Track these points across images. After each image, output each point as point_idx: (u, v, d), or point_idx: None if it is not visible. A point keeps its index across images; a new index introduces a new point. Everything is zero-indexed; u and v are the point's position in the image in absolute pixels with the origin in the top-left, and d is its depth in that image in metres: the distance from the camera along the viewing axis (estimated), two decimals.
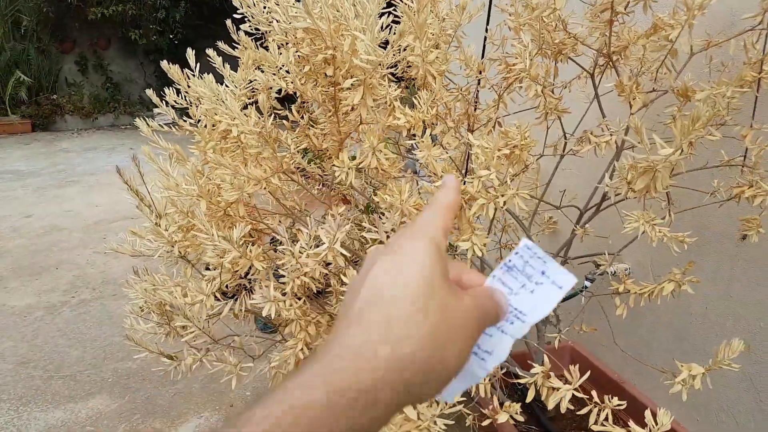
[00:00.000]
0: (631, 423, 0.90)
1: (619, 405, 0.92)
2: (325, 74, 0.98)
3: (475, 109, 1.43)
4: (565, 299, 1.88)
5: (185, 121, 1.36)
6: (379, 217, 1.37)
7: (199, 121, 1.32)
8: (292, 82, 1.13)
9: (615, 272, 1.79)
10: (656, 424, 0.88)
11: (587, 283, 1.88)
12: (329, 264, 1.40)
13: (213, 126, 1.27)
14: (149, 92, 1.39)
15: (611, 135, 1.08)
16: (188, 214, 1.15)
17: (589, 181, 1.57)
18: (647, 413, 0.90)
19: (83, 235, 4.43)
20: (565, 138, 1.37)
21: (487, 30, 1.48)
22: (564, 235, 2.03)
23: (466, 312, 0.38)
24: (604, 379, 1.94)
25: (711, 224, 1.54)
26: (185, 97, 1.39)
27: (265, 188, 1.12)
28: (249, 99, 1.31)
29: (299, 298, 1.22)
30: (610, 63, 1.21)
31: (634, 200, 1.09)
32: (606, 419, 0.92)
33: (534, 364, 0.99)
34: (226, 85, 1.23)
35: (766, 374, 1.45)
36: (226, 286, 1.28)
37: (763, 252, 1.41)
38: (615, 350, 1.94)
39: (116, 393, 2.54)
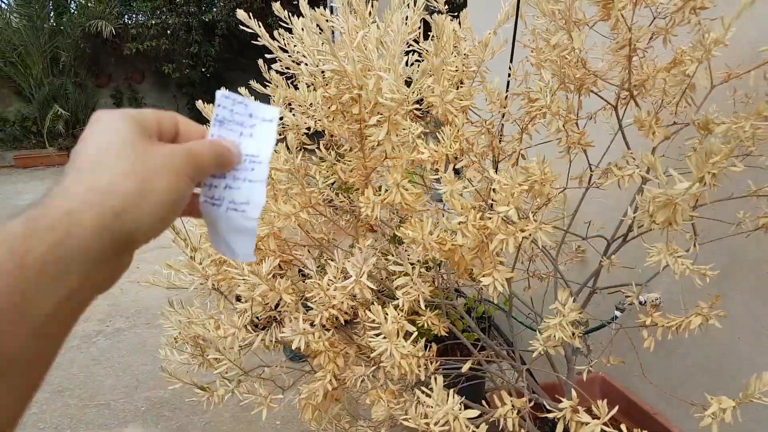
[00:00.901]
0: None
1: None
2: (351, 112, 1.02)
3: (500, 142, 1.46)
4: (595, 329, 1.87)
5: None
6: (405, 250, 1.40)
7: None
8: (319, 120, 1.17)
9: (644, 302, 1.77)
10: None
11: (617, 313, 1.86)
12: (356, 296, 1.42)
13: None
14: None
15: (636, 168, 1.09)
16: None
17: (616, 210, 1.57)
18: None
19: None
20: (591, 170, 1.38)
21: (510, 66, 1.51)
22: (592, 264, 2.02)
23: (170, 153, 0.43)
24: (637, 411, 1.90)
25: (742, 254, 1.52)
26: None
27: (294, 222, 1.15)
28: (280, 135, 1.36)
29: (327, 330, 1.24)
30: (633, 97, 1.22)
31: (660, 231, 1.10)
32: None
33: (562, 399, 0.99)
34: None
35: None
36: (257, 318, 1.31)
37: None
38: (646, 381, 1.91)
39: (149, 421, 2.59)
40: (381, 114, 1.01)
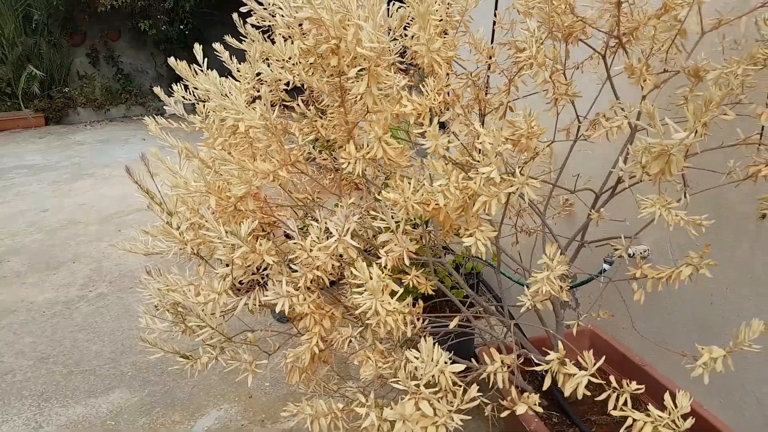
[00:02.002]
0: (650, 407, 0.89)
1: (637, 389, 0.91)
2: (330, 64, 0.97)
3: (486, 94, 1.41)
4: (583, 282, 1.86)
5: (194, 116, 1.36)
6: (390, 207, 1.36)
7: (207, 117, 1.31)
8: (298, 75, 1.11)
9: (633, 255, 1.77)
10: (675, 406, 0.87)
11: (606, 266, 1.86)
12: (342, 256, 1.39)
13: (222, 121, 1.26)
14: (157, 90, 1.38)
15: (625, 118, 1.05)
16: (198, 211, 1.15)
17: (604, 164, 1.54)
18: (666, 396, 0.89)
19: (99, 227, 4.47)
20: (579, 121, 1.35)
21: (495, 14, 1.45)
22: (580, 218, 2.01)
23: None
24: (626, 363, 1.92)
25: (730, 205, 1.51)
26: (193, 93, 1.38)
27: (274, 181, 1.11)
28: (257, 92, 1.30)
29: (312, 292, 1.22)
30: (622, 46, 1.18)
31: (649, 183, 1.07)
32: (625, 404, 0.91)
33: (550, 353, 0.98)
34: (234, 79, 1.22)
35: None
36: (240, 282, 1.28)
37: None
38: (636, 334, 1.92)
39: (136, 387, 2.58)
40: (361, 66, 0.95)
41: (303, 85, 1.22)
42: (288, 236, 1.36)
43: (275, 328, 2.57)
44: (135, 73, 10.22)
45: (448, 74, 1.14)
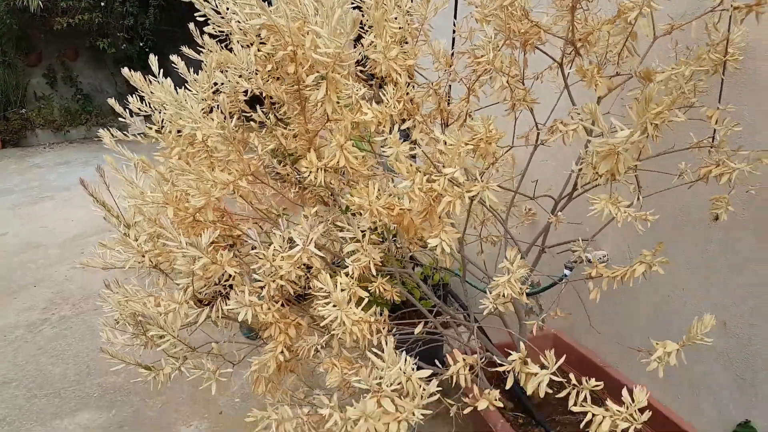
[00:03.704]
0: (608, 402, 0.91)
1: (596, 386, 0.93)
2: (288, 72, 0.97)
3: (448, 104, 1.43)
4: (545, 288, 1.89)
5: (150, 128, 1.34)
6: (353, 215, 1.36)
7: (163, 127, 1.30)
8: (256, 83, 1.11)
9: (591, 260, 1.80)
10: (633, 401, 0.89)
11: (567, 272, 1.89)
12: (310, 268, 1.39)
13: (178, 132, 1.25)
14: (111, 101, 1.36)
15: (580, 122, 1.08)
16: (156, 222, 1.13)
17: (563, 173, 1.58)
18: (624, 391, 0.91)
19: (60, 251, 4.36)
20: (537, 128, 1.38)
21: (454, 23, 1.47)
22: (542, 226, 2.04)
23: None
24: (588, 364, 1.95)
25: (686, 208, 1.56)
26: (150, 104, 1.36)
27: (234, 192, 1.10)
28: (215, 102, 1.30)
29: (277, 301, 1.21)
30: (576, 51, 1.21)
31: (606, 187, 1.10)
32: (585, 400, 0.92)
33: (512, 352, 0.99)
34: (188, 89, 1.21)
35: (740, 349, 1.48)
36: (203, 294, 1.27)
37: (734, 233, 1.43)
38: (599, 336, 1.95)
39: (103, 407, 2.51)
40: (319, 72, 0.96)
41: (262, 95, 1.22)
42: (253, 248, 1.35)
43: (243, 342, 2.54)
44: (95, 92, 10.01)
45: (408, 83, 1.15)
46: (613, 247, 1.85)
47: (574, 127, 1.08)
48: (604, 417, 0.92)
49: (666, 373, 1.68)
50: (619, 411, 0.92)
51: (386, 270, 1.43)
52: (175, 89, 1.18)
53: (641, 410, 0.91)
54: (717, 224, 1.45)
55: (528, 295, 2.27)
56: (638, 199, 1.17)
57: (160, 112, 1.32)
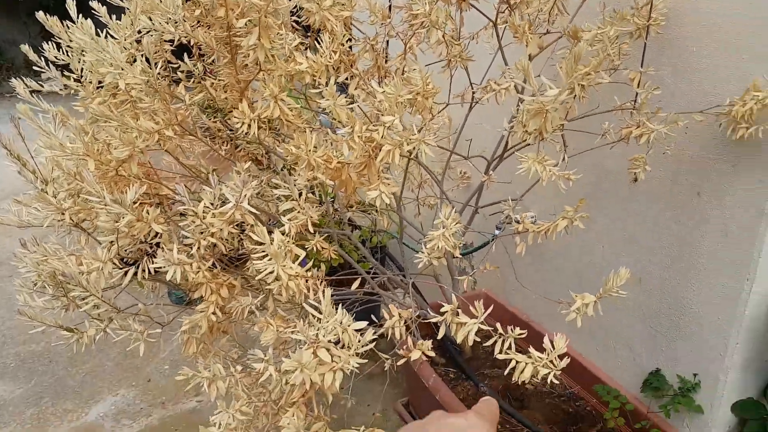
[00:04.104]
0: (531, 349, 0.95)
1: (520, 334, 0.97)
2: (218, 16, 0.93)
3: (386, 61, 1.42)
4: (477, 248, 1.95)
5: (68, 77, 1.26)
6: (289, 172, 1.34)
7: (82, 77, 1.22)
8: (182, 29, 1.06)
9: (519, 220, 1.87)
10: (553, 348, 0.94)
11: (497, 232, 1.95)
12: (244, 230, 1.35)
13: (99, 84, 1.18)
14: (24, 48, 1.26)
15: (511, 81, 1.10)
16: (76, 177, 1.07)
17: (497, 132, 1.62)
18: (545, 339, 0.96)
19: None
20: (472, 88, 1.39)
21: None
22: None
23: None
24: (516, 321, 2.04)
25: (608, 169, 1.63)
26: (68, 52, 1.27)
27: (159, 143, 1.05)
28: (138, 52, 1.22)
29: (207, 260, 1.18)
30: (510, 9, 1.22)
31: (533, 149, 1.13)
32: (510, 348, 0.96)
33: (443, 304, 1.01)
34: (111, 36, 1.14)
35: (654, 303, 1.59)
36: (128, 253, 1.21)
37: (651, 193, 1.52)
38: (528, 296, 2.04)
39: (21, 378, 2.40)
40: (250, 18, 0.92)
41: (190, 44, 1.16)
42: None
43: (171, 306, 2.49)
44: (6, 45, 9.28)
45: (344, 35, 1.13)
46: (542, 210, 1.92)
47: (507, 86, 1.10)
48: (526, 363, 0.97)
49: (587, 327, 1.79)
50: (540, 357, 0.97)
51: (324, 231, 1.42)
52: (97, 35, 1.10)
53: (560, 357, 0.96)
54: (637, 184, 1.53)
55: (461, 255, 2.33)
56: (564, 159, 1.21)
57: (79, 61, 1.24)
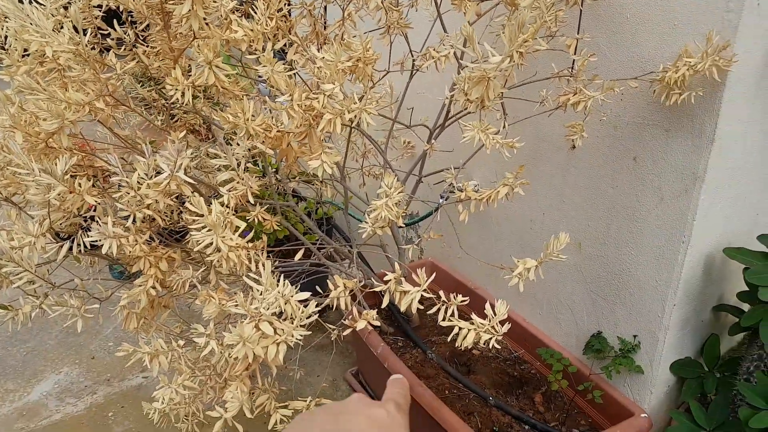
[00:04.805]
0: (473, 315, 0.98)
1: (463, 301, 1.00)
2: None
3: (324, 28, 1.40)
4: (422, 218, 1.98)
5: None
6: (228, 141, 1.32)
7: (5, 45, 1.15)
8: None
9: (462, 188, 1.90)
10: (494, 314, 0.97)
11: (441, 201, 1.98)
12: (183, 202, 1.32)
13: (25, 52, 1.12)
14: None
15: (451, 47, 1.10)
16: (3, 149, 1.02)
17: (438, 103, 1.63)
18: (487, 305, 0.98)
19: None
20: (412, 55, 1.39)
21: None
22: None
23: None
24: (461, 288, 2.09)
25: (546, 136, 1.67)
26: None
27: (91, 114, 1.01)
28: (66, 19, 1.16)
29: (144, 233, 1.15)
30: None
31: (475, 118, 1.15)
32: (453, 315, 0.99)
33: (389, 273, 1.03)
34: (36, 1, 1.08)
35: (592, 267, 1.65)
36: (62, 227, 1.17)
37: (589, 159, 1.57)
38: (471, 263, 2.08)
39: None
40: None
41: (120, 10, 1.11)
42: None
43: (112, 281, 2.44)
44: None
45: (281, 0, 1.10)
46: (484, 177, 1.95)
47: (446, 53, 1.10)
48: (468, 330, 1.00)
49: (531, 292, 1.85)
50: (482, 323, 0.99)
51: (267, 203, 1.40)
52: (20, 1, 1.04)
53: (502, 323, 0.99)
54: (574, 151, 1.57)
55: (406, 225, 2.36)
56: (504, 126, 1.23)
57: (2, 27, 1.17)
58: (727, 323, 1.63)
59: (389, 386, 0.57)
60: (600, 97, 1.24)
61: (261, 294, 0.90)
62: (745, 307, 1.49)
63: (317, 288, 1.28)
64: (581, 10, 1.28)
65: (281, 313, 0.94)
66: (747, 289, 1.45)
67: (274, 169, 1.62)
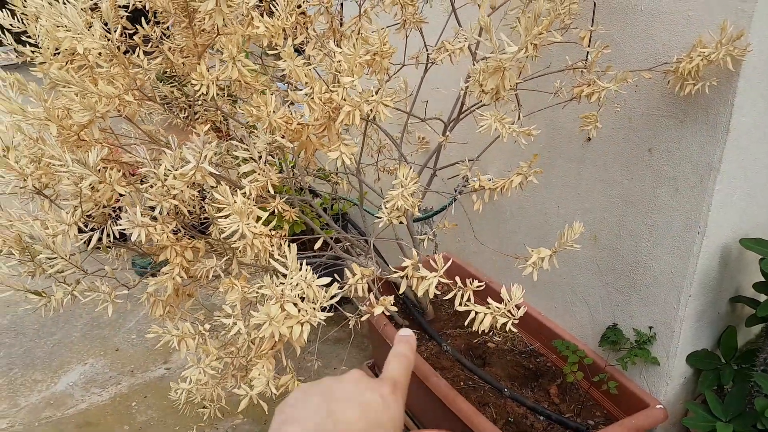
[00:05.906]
0: (489, 300, 1.00)
1: (479, 287, 1.02)
2: None
3: (341, 25, 1.43)
4: (437, 212, 2.00)
5: (24, 45, 1.25)
6: (249, 134, 1.35)
7: (37, 45, 1.21)
8: None
9: (477, 179, 1.92)
10: (510, 298, 0.99)
11: (457, 196, 2.00)
12: (205, 198, 1.36)
13: (56, 49, 1.17)
14: None
15: (465, 40, 1.13)
16: (38, 142, 1.07)
17: (452, 96, 1.65)
18: (503, 291, 1.00)
19: None
20: (426, 50, 1.42)
21: None
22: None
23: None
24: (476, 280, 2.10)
25: (561, 129, 1.68)
26: (22, 20, 1.26)
27: (119, 108, 1.06)
28: (94, 19, 1.21)
29: (171, 223, 1.19)
30: None
31: (490, 108, 1.17)
32: (468, 300, 1.01)
33: (405, 259, 1.06)
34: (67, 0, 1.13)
35: (608, 259, 1.65)
36: (90, 217, 1.22)
37: (604, 151, 1.58)
38: (488, 259, 2.10)
39: None
40: None
41: (146, 9, 1.16)
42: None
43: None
44: None
45: None
46: (498, 171, 1.97)
47: (461, 46, 1.13)
48: (485, 314, 1.02)
49: (546, 286, 1.86)
50: (498, 307, 1.02)
51: (286, 198, 1.44)
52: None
53: (517, 307, 1.01)
54: (589, 143, 1.59)
55: (421, 219, 2.38)
56: (519, 117, 1.25)
57: (36, 26, 1.22)
58: (744, 315, 1.63)
59: (394, 347, 0.53)
60: (614, 88, 1.25)
61: (285, 277, 0.93)
62: (762, 298, 1.49)
63: (335, 276, 1.32)
64: (595, 3, 1.30)
65: (303, 298, 0.98)
66: (763, 279, 1.45)
67: (291, 165, 1.66)
